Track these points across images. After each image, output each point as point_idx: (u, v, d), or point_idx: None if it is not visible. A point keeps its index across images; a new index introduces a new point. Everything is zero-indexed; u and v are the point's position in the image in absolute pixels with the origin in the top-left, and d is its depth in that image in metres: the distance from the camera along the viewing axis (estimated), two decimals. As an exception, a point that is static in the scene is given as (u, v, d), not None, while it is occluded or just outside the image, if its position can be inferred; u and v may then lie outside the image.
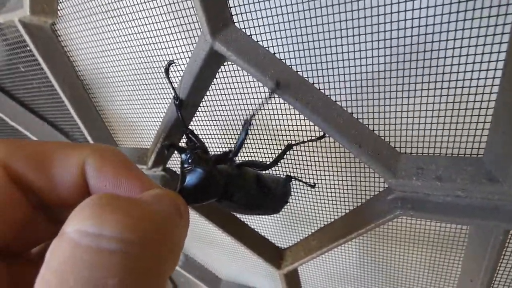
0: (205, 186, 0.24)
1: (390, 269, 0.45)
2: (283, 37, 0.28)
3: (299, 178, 0.33)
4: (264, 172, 0.31)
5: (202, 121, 0.41)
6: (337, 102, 0.29)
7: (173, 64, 0.32)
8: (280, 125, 0.35)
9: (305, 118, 0.29)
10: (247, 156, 0.40)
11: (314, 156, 0.36)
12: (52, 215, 0.16)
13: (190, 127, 0.33)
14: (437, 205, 0.29)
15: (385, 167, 0.28)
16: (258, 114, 0.36)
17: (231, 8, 0.28)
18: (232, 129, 0.40)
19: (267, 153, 0.38)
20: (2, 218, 0.14)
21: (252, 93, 0.33)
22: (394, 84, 0.27)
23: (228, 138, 0.42)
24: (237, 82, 0.33)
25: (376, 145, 0.29)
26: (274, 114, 0.34)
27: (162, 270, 0.12)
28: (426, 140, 0.29)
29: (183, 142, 0.41)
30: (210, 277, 0.66)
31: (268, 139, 0.37)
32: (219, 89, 0.35)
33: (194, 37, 0.33)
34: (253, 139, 0.38)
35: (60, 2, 0.37)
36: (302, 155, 0.36)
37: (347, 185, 0.36)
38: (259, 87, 0.32)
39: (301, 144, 0.32)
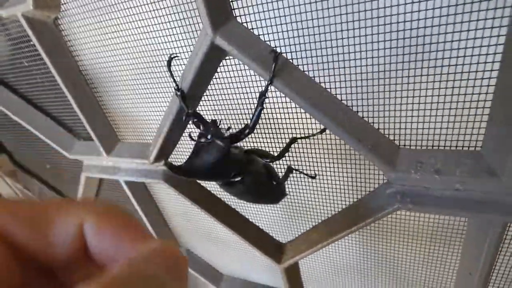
0: (219, 162, 0.25)
1: (390, 262, 0.45)
2: (284, 30, 0.28)
3: (300, 170, 0.34)
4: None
5: (204, 115, 0.41)
6: (337, 96, 0.29)
7: (176, 58, 0.33)
8: (281, 118, 0.35)
9: (305, 112, 0.29)
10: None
11: (313, 149, 0.36)
12: (49, 274, 0.16)
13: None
14: (436, 198, 0.29)
15: (384, 161, 0.29)
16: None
17: (232, 2, 0.28)
18: (234, 123, 0.41)
19: (269, 147, 0.39)
20: None
21: (253, 87, 0.34)
22: (393, 77, 0.27)
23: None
24: (238, 76, 0.34)
25: (375, 139, 0.29)
26: (275, 108, 0.35)
27: None
28: (425, 133, 0.29)
29: (184, 136, 0.41)
30: (212, 272, 0.67)
31: (269, 133, 0.37)
32: (221, 83, 0.36)
33: (196, 31, 0.33)
34: (255, 135, 0.38)
35: (63, -3, 0.37)
36: (302, 149, 0.36)
37: (347, 179, 0.37)
38: (260, 81, 0.33)
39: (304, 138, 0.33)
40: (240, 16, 0.29)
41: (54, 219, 0.14)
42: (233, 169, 0.28)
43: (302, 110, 0.29)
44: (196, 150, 0.27)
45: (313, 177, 0.36)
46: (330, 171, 0.37)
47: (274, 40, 0.29)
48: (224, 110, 0.39)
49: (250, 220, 0.49)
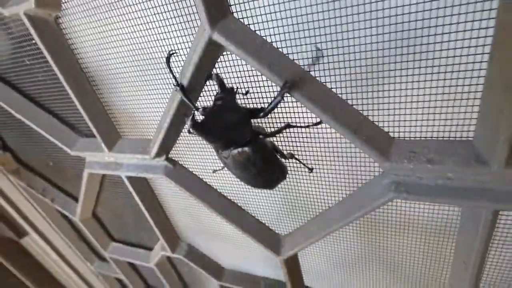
0: (237, 124, 0.29)
1: (387, 253, 0.46)
2: (280, 26, 0.29)
3: (300, 160, 0.35)
4: None
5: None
6: (332, 90, 0.30)
7: (175, 54, 0.34)
8: (276, 112, 0.36)
9: (302, 105, 0.30)
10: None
11: (310, 142, 0.37)
12: None
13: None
14: (429, 188, 0.30)
15: (379, 152, 0.30)
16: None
17: (229, -1, 0.29)
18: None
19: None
20: None
21: (251, 82, 0.34)
22: (386, 70, 0.28)
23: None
24: (236, 72, 0.34)
25: (370, 131, 0.30)
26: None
27: None
28: (419, 125, 0.30)
29: (185, 130, 0.42)
30: (214, 266, 0.68)
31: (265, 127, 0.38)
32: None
33: (194, 27, 0.34)
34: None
35: (64, -4, 0.38)
36: (299, 141, 0.37)
37: (343, 171, 0.38)
38: (257, 75, 0.33)
39: (299, 129, 0.33)
40: (236, 12, 0.30)
41: None
42: (246, 135, 0.29)
43: (299, 104, 0.30)
44: (214, 111, 0.29)
45: (311, 170, 0.36)
46: (327, 164, 0.38)
47: (270, 35, 0.30)
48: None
49: (250, 214, 0.50)
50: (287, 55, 0.30)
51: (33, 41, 0.46)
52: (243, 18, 0.30)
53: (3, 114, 0.68)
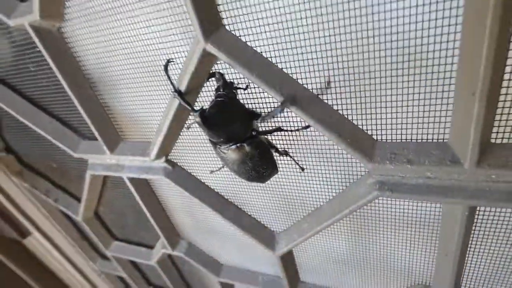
0: (241, 121, 0.31)
1: (375, 248, 0.48)
2: (269, 37, 0.31)
3: (293, 157, 0.37)
4: None
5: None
6: (319, 96, 0.32)
7: (172, 62, 0.36)
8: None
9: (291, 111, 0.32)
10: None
11: (299, 144, 0.39)
12: None
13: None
14: (411, 186, 0.32)
15: (362, 153, 0.32)
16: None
17: (222, 12, 0.31)
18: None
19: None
20: None
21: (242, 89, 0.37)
22: (367, 78, 0.30)
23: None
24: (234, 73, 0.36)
25: (354, 134, 0.32)
26: (261, 108, 0.38)
27: None
28: (399, 128, 0.32)
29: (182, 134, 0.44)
30: (212, 263, 0.70)
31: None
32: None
33: (190, 38, 0.36)
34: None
35: (66, 7, 0.40)
36: (290, 145, 0.39)
37: (332, 171, 0.40)
38: (249, 83, 0.36)
39: (289, 133, 0.36)
40: (228, 24, 0.32)
41: None
42: (247, 132, 0.32)
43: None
44: (219, 107, 0.31)
45: (302, 169, 0.39)
46: (317, 165, 0.40)
47: (260, 46, 0.32)
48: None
49: (246, 212, 0.52)
50: (276, 64, 0.32)
51: (37, 49, 0.48)
52: (234, 30, 0.32)
53: (7, 118, 0.70)
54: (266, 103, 0.37)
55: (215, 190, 0.52)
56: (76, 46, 0.45)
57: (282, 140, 0.39)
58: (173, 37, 0.37)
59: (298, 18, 0.30)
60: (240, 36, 0.32)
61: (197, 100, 0.39)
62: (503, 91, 0.25)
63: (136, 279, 0.97)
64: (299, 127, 0.35)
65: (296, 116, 0.36)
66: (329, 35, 0.30)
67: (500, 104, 0.26)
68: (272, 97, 0.32)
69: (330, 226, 0.41)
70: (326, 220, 0.40)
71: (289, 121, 0.36)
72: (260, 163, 0.34)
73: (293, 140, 0.39)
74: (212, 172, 0.47)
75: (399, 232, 0.44)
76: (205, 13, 0.29)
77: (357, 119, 0.32)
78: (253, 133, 0.32)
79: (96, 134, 0.50)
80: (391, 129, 0.32)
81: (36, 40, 0.41)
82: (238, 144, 0.32)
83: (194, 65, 0.33)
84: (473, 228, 0.34)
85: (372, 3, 0.27)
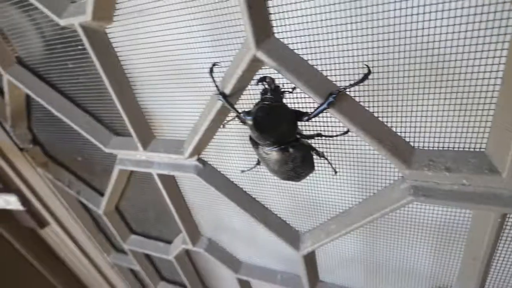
0: (289, 125, 0.32)
1: (397, 250, 0.50)
2: (314, 46, 0.33)
3: (329, 160, 0.39)
4: None
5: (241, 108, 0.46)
6: (360, 103, 0.34)
7: (216, 66, 0.38)
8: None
9: (332, 115, 0.34)
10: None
11: (334, 148, 0.41)
12: None
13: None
14: (445, 192, 0.34)
15: (401, 160, 0.33)
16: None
17: (272, 21, 0.33)
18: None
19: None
20: None
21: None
22: (406, 83, 0.32)
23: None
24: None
25: (393, 140, 0.33)
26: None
27: None
28: (437, 136, 0.33)
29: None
30: (232, 259, 0.72)
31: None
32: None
33: (236, 44, 0.38)
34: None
35: (116, 10, 0.42)
36: (325, 149, 0.41)
37: (360, 175, 0.41)
38: (294, 87, 0.37)
39: (329, 138, 0.37)
40: (278, 33, 0.33)
41: None
42: (292, 136, 0.33)
43: (328, 114, 0.34)
44: (268, 110, 0.32)
45: (336, 172, 0.40)
46: (348, 169, 0.42)
47: (307, 54, 0.34)
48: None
49: (272, 211, 0.54)
50: (321, 72, 0.33)
51: (79, 47, 0.50)
52: (283, 38, 0.34)
53: (38, 111, 0.72)
54: (306, 107, 0.39)
55: (243, 189, 0.53)
56: (119, 46, 0.47)
57: (317, 143, 0.41)
58: (212, 43, 0.39)
59: (343, 30, 0.31)
60: (288, 44, 0.34)
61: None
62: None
63: (149, 272, 0.99)
64: (338, 133, 0.36)
65: (333, 121, 0.38)
66: (372, 47, 0.31)
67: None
68: (313, 102, 0.34)
69: (359, 228, 0.42)
70: (355, 223, 0.42)
71: (328, 126, 0.38)
72: (301, 164, 0.36)
73: (328, 143, 0.40)
74: (243, 171, 0.48)
75: (421, 235, 0.46)
76: (259, 22, 0.31)
77: (396, 126, 0.34)
78: (298, 136, 0.34)
79: (131, 130, 0.52)
80: (429, 137, 0.34)
81: (84, 39, 0.43)
82: (282, 147, 0.34)
83: (242, 69, 0.35)
84: (501, 233, 0.36)
85: (412, 12, 0.28)
